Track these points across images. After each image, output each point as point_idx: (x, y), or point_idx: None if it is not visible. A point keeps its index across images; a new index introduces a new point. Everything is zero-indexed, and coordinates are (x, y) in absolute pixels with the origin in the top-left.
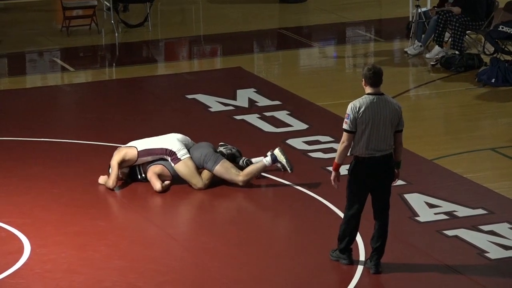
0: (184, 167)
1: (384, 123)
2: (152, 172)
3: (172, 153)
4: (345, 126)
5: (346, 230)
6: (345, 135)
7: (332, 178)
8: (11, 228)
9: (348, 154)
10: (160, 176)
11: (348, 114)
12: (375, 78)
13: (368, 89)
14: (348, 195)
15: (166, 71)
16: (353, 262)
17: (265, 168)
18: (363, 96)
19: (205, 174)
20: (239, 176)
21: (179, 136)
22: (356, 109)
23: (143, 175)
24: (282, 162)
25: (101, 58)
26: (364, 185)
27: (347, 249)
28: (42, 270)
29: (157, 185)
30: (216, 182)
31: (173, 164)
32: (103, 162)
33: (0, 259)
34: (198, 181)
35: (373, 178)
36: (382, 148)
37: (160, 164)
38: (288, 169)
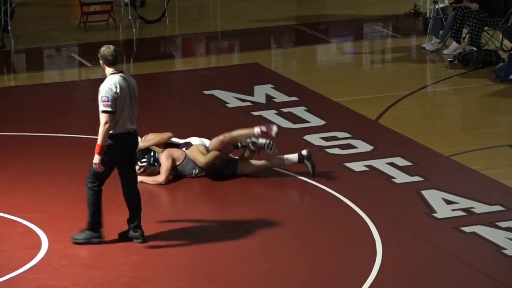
0: (194, 148)
1: (134, 98)
2: (168, 156)
3: (188, 144)
4: (106, 108)
5: (98, 210)
6: (107, 116)
7: (98, 162)
8: (29, 223)
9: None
10: (174, 161)
11: (107, 97)
12: (115, 57)
13: (110, 69)
14: (100, 173)
15: (184, 67)
16: (103, 239)
17: (250, 135)
18: (111, 77)
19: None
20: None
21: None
22: (113, 89)
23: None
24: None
25: (119, 54)
26: (118, 161)
27: (100, 227)
28: (60, 265)
29: (162, 177)
30: (233, 180)
31: (186, 150)
32: None
33: (18, 254)
34: (201, 157)
35: (128, 152)
36: (135, 122)
37: (179, 149)
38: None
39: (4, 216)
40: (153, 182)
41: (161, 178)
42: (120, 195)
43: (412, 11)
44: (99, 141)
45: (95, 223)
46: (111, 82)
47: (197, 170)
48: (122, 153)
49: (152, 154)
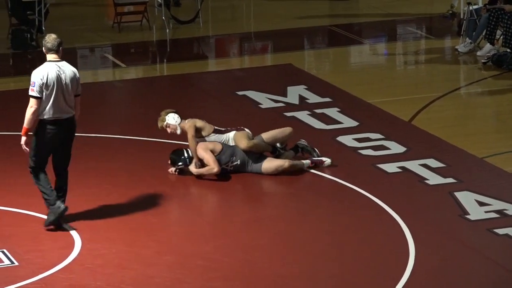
0: (242, 133)
1: (66, 87)
2: (205, 148)
3: (238, 128)
4: (32, 93)
5: (51, 193)
6: (32, 100)
7: (23, 142)
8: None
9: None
10: (212, 152)
11: (34, 82)
12: (54, 45)
13: (48, 56)
14: (35, 157)
15: (217, 67)
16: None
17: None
18: (45, 64)
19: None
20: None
21: None
22: (40, 76)
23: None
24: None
25: (152, 54)
26: (50, 146)
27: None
28: (93, 265)
29: (215, 167)
30: (263, 177)
31: (235, 131)
32: (155, 158)
33: (52, 254)
34: (245, 140)
35: (59, 140)
36: (67, 111)
37: (211, 141)
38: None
39: (38, 216)
40: (209, 173)
41: (215, 169)
42: (152, 196)
43: (450, 12)
44: (25, 124)
45: (50, 201)
46: (41, 69)
47: (234, 158)
48: (53, 139)
49: (186, 155)
